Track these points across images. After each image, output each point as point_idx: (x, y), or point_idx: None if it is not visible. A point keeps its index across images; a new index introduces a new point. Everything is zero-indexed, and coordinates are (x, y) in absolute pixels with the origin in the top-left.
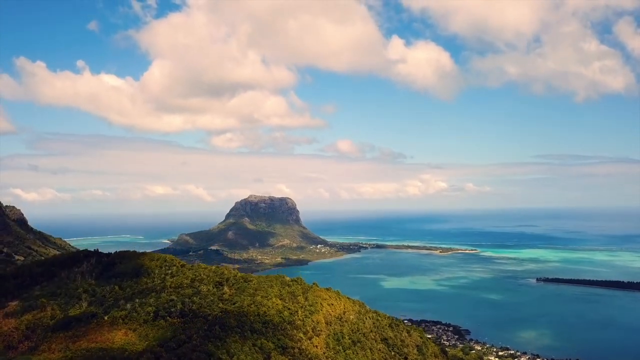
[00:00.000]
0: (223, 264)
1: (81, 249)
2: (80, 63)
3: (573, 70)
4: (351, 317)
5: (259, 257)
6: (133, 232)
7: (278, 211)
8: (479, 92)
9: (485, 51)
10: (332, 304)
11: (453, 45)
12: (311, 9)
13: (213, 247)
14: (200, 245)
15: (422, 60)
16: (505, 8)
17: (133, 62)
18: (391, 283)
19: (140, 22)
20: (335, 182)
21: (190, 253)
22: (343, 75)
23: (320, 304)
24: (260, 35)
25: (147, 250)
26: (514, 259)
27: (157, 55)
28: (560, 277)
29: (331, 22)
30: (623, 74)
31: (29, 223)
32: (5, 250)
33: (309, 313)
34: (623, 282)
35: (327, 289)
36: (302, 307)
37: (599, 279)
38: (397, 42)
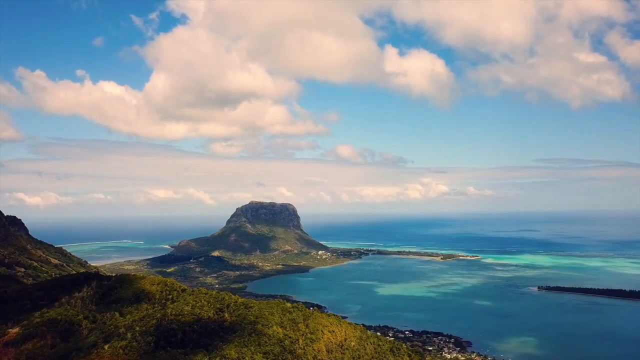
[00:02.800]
0: (223, 271)
1: (82, 259)
2: (83, 73)
3: (568, 80)
4: (352, 343)
5: (260, 263)
6: (134, 236)
7: (279, 217)
8: (477, 100)
9: (480, 61)
10: (333, 331)
11: (448, 55)
12: (309, 24)
13: (214, 254)
14: (201, 251)
15: (419, 71)
16: (499, 20)
17: (136, 74)
18: (392, 291)
19: (143, 36)
20: (336, 185)
21: (191, 260)
22: (343, 87)
23: (321, 331)
24: (260, 49)
25: (148, 256)
26: (515, 265)
27: (159, 66)
28: (561, 286)
29: (329, 36)
30: (618, 83)
31: (31, 229)
32: (6, 261)
33: (310, 341)
34: (625, 290)
35: (328, 315)
36: (303, 334)
37: (601, 287)
38: (392, 52)
